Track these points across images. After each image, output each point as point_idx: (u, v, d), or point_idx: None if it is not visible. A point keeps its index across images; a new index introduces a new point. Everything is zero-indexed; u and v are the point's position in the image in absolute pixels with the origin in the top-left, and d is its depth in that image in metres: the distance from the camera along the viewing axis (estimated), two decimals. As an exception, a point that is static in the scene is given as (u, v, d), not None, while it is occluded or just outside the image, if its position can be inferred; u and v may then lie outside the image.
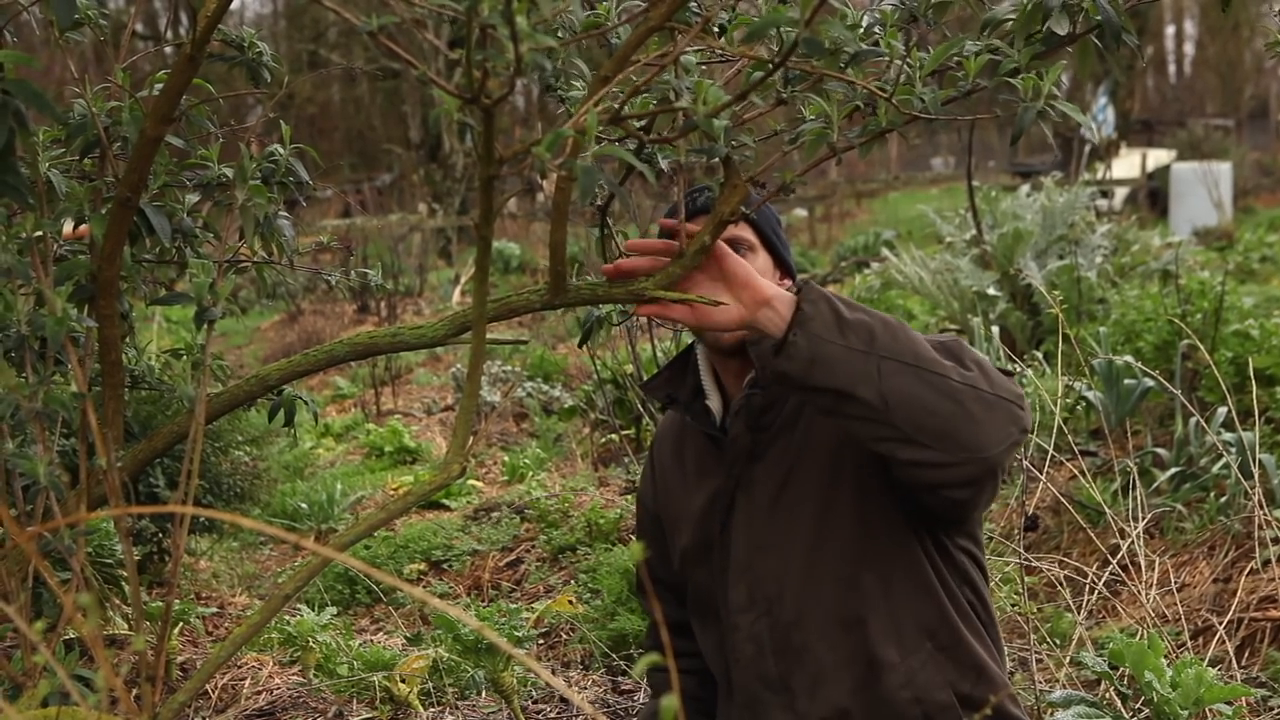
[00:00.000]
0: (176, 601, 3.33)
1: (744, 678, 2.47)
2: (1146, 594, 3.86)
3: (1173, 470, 5.34)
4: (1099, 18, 2.14)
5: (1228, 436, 5.01)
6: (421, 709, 3.91)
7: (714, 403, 2.55)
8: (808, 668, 2.40)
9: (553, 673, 4.35)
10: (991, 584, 4.22)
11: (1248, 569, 4.43)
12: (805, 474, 2.41)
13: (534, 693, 4.11)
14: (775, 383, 2.19)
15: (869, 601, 2.38)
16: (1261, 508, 4.09)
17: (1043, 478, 4.37)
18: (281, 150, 2.71)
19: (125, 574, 4.20)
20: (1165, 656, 3.23)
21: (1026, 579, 4.23)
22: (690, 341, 2.64)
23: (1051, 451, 4.26)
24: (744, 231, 2.47)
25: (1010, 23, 2.24)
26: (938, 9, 2.31)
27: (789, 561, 2.42)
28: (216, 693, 4.15)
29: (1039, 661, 3.86)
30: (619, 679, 4.29)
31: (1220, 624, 3.95)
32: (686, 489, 2.62)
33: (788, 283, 2.56)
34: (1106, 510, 4.22)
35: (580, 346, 3.05)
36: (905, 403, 2.09)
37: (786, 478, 2.42)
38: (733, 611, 2.48)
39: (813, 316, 2.09)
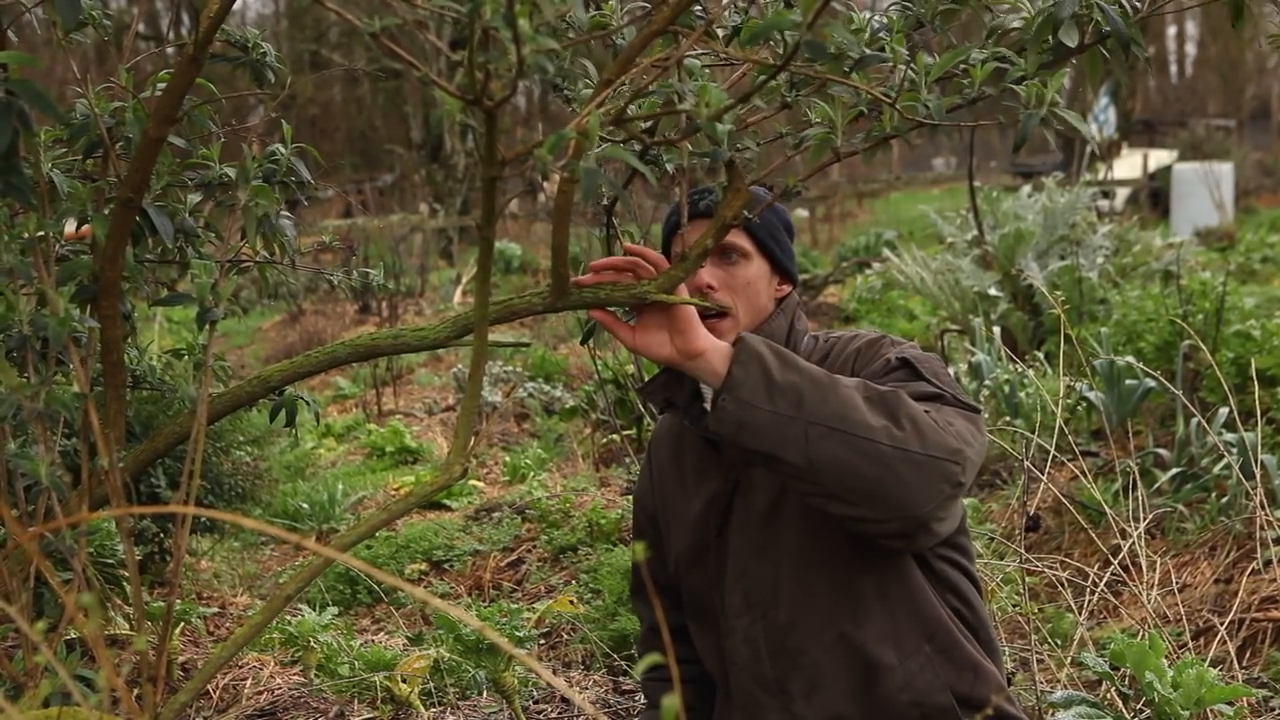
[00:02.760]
0: (178, 602, 3.33)
1: (741, 680, 2.48)
2: (1148, 594, 3.86)
3: (1174, 471, 5.33)
4: (1108, 29, 2.15)
5: (1229, 437, 5.01)
6: (423, 709, 3.91)
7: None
8: (804, 671, 2.41)
9: (554, 673, 4.35)
10: (992, 585, 4.23)
11: (1249, 569, 4.43)
12: None
13: (535, 693, 4.11)
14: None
15: (865, 605, 2.39)
16: (1263, 508, 4.09)
17: (1044, 478, 4.37)
18: (283, 150, 2.71)
19: (127, 574, 4.20)
20: (1166, 657, 3.23)
21: (1028, 579, 4.23)
22: None
23: (1053, 452, 4.25)
24: (738, 238, 2.47)
25: (1016, 31, 2.24)
26: (944, 15, 2.31)
27: (784, 566, 2.42)
28: (218, 693, 4.15)
29: (1040, 662, 3.86)
30: (620, 679, 4.29)
31: (1221, 624, 3.95)
32: (685, 491, 2.62)
33: (786, 288, 2.56)
34: (1108, 511, 4.22)
35: (582, 344, 3.06)
36: (831, 466, 2.12)
37: (783, 483, 2.42)
38: (729, 615, 2.48)
39: (742, 381, 2.12)
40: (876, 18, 2.29)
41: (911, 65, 2.14)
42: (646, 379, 2.57)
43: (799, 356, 2.19)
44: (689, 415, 2.54)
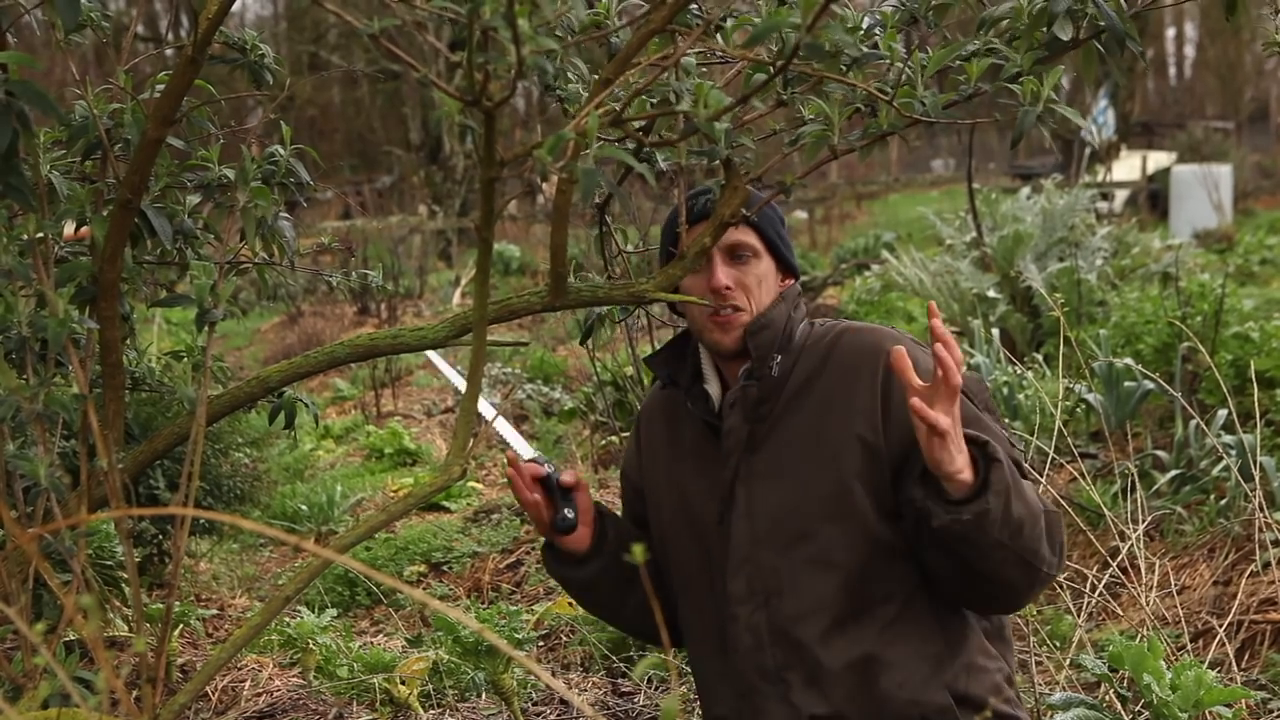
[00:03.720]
0: (177, 603, 3.34)
1: (742, 667, 2.49)
2: (1146, 596, 3.86)
3: (1173, 473, 5.33)
4: (1103, 23, 2.15)
5: (1228, 439, 5.01)
6: (422, 711, 3.91)
7: (713, 388, 2.56)
8: (805, 662, 2.41)
9: (553, 675, 4.36)
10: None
11: (1248, 571, 4.43)
12: (804, 468, 2.42)
13: (534, 695, 4.11)
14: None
15: (867, 602, 2.39)
16: (1262, 510, 4.09)
17: (1043, 480, 4.37)
18: (282, 152, 2.71)
19: (125, 576, 4.20)
20: (1165, 659, 3.23)
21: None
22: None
23: (1052, 454, 4.26)
24: (748, 236, 2.46)
25: (1009, 21, 2.25)
26: (938, 11, 2.31)
27: (788, 557, 2.42)
28: (217, 694, 4.15)
29: (1039, 664, 3.86)
30: (619, 681, 4.29)
31: (1220, 626, 3.94)
32: (683, 470, 2.60)
33: (788, 282, 2.56)
34: (1106, 512, 4.22)
35: (581, 344, 3.06)
36: (1003, 582, 2.30)
37: (785, 471, 2.43)
38: (731, 602, 2.48)
39: (990, 510, 2.17)
40: (871, 14, 2.30)
41: (907, 63, 2.14)
42: (647, 380, 2.58)
43: (1018, 475, 2.25)
44: (690, 396, 2.54)
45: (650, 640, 3.16)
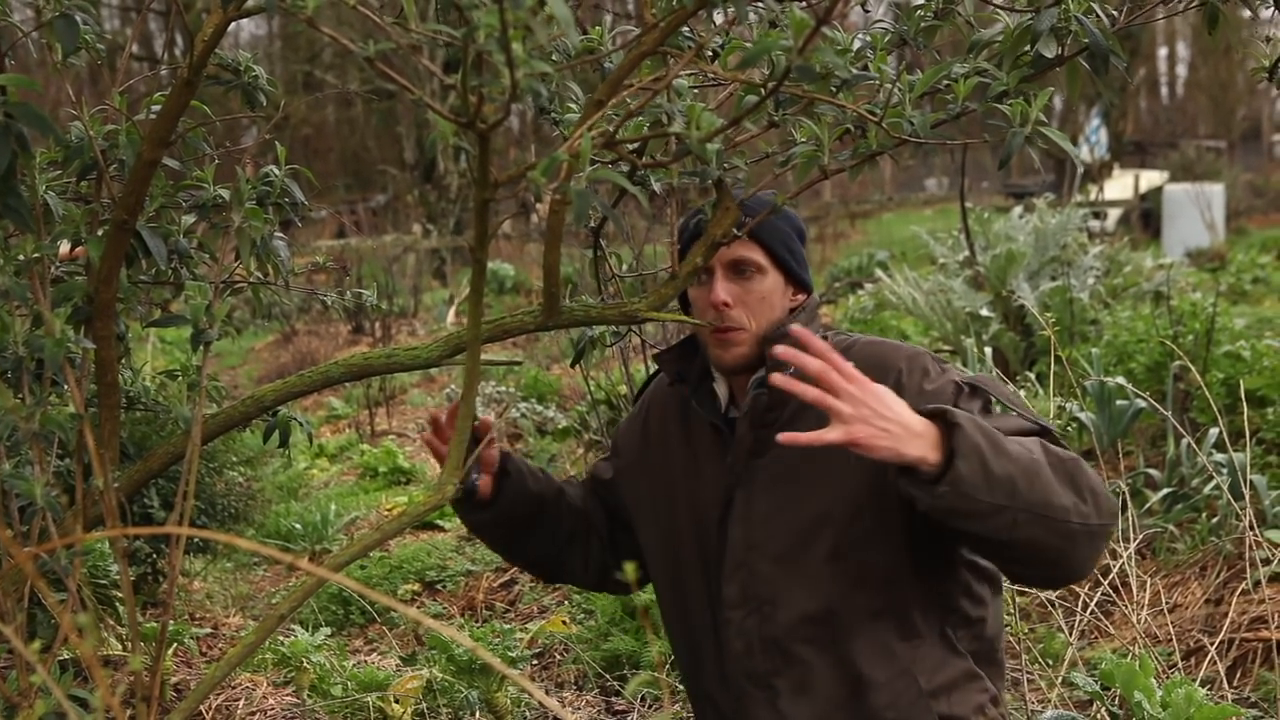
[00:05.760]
0: (171, 622, 3.34)
1: (733, 672, 2.50)
2: (1138, 615, 3.87)
3: (1164, 491, 5.35)
4: (1087, 40, 2.17)
5: (1219, 457, 5.03)
6: (415, 729, 3.91)
7: (721, 389, 2.57)
8: (794, 671, 2.42)
9: (546, 693, 4.36)
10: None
11: (1239, 590, 4.44)
12: (804, 479, 2.42)
13: (528, 713, 4.11)
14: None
15: (859, 616, 2.40)
16: (1253, 529, 4.10)
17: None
18: (277, 171, 2.72)
19: (120, 594, 4.20)
20: (1156, 677, 3.24)
21: (1018, 599, 4.23)
22: None
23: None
24: (751, 251, 2.45)
25: (999, 44, 2.27)
26: (926, 32, 2.33)
27: (783, 565, 2.43)
28: (211, 713, 4.15)
29: (1031, 682, 3.87)
30: (613, 699, 4.29)
31: (1211, 645, 3.96)
32: (689, 466, 2.61)
33: (801, 298, 2.55)
34: (1098, 531, 4.22)
35: (573, 366, 3.07)
36: (1028, 545, 2.19)
37: (785, 480, 2.43)
38: (725, 605, 2.49)
39: (964, 476, 2.10)
40: (860, 35, 2.31)
41: (897, 84, 2.16)
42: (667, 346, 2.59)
43: (998, 433, 2.18)
44: (697, 395, 2.55)
45: (550, 579, 3.40)
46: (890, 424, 2.08)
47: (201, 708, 4.13)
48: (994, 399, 2.40)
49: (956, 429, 2.10)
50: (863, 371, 2.39)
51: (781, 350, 2.10)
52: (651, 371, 2.68)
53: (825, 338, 2.52)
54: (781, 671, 2.44)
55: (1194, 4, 2.34)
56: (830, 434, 2.08)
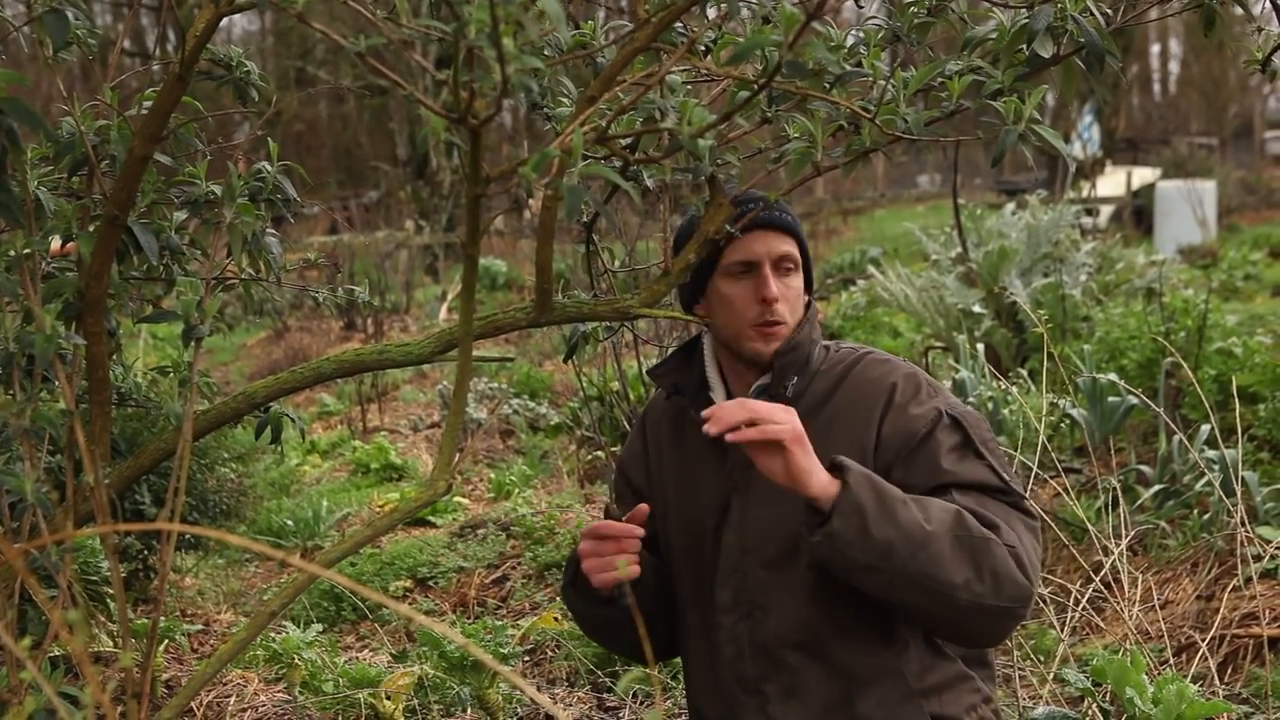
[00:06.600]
0: (162, 618, 3.33)
1: (723, 675, 2.50)
2: (1129, 611, 3.87)
3: (1156, 488, 5.35)
4: (1083, 39, 2.17)
5: (1211, 454, 5.03)
6: (407, 726, 3.91)
7: (718, 396, 2.56)
8: (783, 676, 2.43)
9: (538, 689, 4.36)
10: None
11: (1230, 586, 4.45)
12: None
13: (519, 710, 4.11)
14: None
15: (849, 621, 2.40)
16: (1244, 525, 4.10)
17: (1027, 495, 4.38)
18: (269, 167, 2.72)
19: (111, 591, 4.19)
20: (1147, 673, 3.24)
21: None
22: (698, 332, 2.64)
23: (1036, 469, 4.27)
24: (793, 247, 2.47)
25: (993, 41, 2.26)
26: (920, 29, 2.33)
27: (774, 572, 2.43)
28: (202, 710, 4.14)
29: (1022, 678, 3.87)
30: (604, 695, 4.29)
31: (1203, 641, 3.96)
32: (687, 479, 2.61)
33: (807, 299, 2.55)
34: (1090, 527, 4.23)
35: (565, 361, 3.07)
36: (914, 607, 2.31)
37: (780, 488, 2.43)
38: (718, 611, 2.50)
39: (839, 532, 2.19)
40: (854, 32, 2.31)
41: (890, 80, 2.16)
42: (632, 394, 2.58)
43: (898, 499, 2.23)
44: (695, 405, 2.54)
45: (641, 659, 3.17)
46: (807, 453, 2.21)
47: (192, 704, 4.13)
48: (975, 439, 2.41)
49: (845, 488, 2.19)
50: (862, 384, 2.43)
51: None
52: (646, 380, 2.68)
53: (827, 350, 2.54)
54: (771, 677, 2.44)
55: (1190, 5, 2.35)
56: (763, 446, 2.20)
